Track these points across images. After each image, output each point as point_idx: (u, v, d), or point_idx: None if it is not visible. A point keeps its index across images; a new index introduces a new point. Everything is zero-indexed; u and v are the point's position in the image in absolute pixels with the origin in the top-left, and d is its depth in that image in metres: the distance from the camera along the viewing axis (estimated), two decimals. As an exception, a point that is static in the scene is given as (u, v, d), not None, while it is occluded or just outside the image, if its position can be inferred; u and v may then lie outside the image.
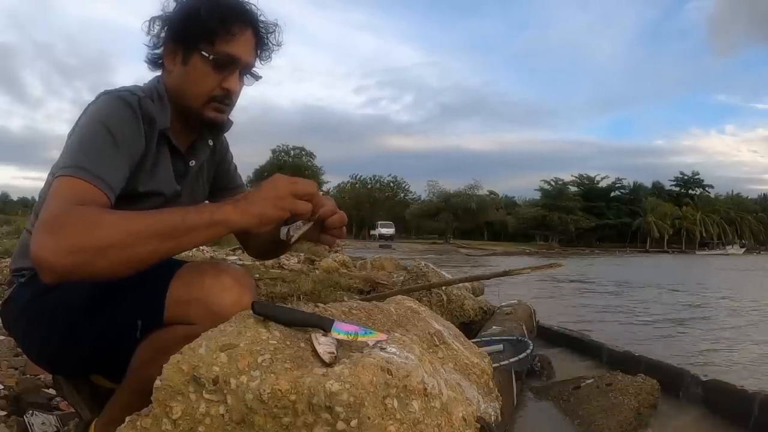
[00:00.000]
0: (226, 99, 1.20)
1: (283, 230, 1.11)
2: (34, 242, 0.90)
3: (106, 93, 1.14)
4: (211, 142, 1.33)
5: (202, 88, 1.18)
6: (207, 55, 1.15)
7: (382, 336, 1.05)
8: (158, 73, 1.25)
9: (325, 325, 1.02)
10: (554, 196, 63.90)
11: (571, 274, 13.94)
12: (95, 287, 1.11)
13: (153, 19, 1.20)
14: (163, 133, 1.19)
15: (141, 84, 1.23)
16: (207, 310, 1.05)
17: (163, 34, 1.20)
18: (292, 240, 1.11)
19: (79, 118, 1.13)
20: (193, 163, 1.29)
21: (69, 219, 0.91)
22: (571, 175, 71.77)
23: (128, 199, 1.10)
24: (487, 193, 61.78)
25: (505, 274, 3.86)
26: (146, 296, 1.09)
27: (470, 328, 3.58)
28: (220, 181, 1.43)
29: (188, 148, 1.28)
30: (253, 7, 1.21)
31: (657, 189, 74.42)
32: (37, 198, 1.25)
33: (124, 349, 1.10)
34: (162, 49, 1.21)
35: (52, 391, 1.75)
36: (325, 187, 62.52)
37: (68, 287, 1.12)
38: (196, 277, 1.09)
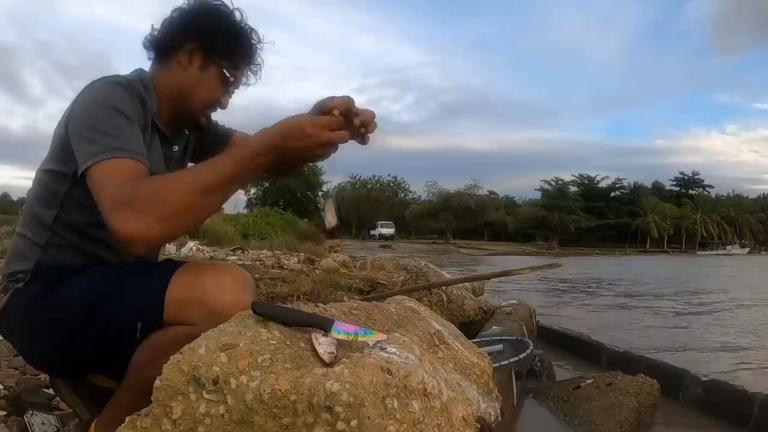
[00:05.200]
0: (215, 110, 1.30)
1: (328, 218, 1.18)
2: (119, 222, 0.95)
3: (99, 80, 1.15)
4: (187, 132, 1.36)
5: (208, 97, 1.26)
6: (227, 73, 1.24)
7: (382, 336, 1.05)
8: (149, 63, 1.27)
9: (325, 325, 1.02)
10: (554, 196, 63.85)
11: (572, 274, 13.94)
12: (93, 290, 1.11)
13: (180, 13, 1.22)
14: (152, 119, 1.21)
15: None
16: (207, 311, 1.06)
17: (184, 31, 1.22)
18: (334, 224, 1.18)
19: (73, 109, 1.12)
20: (176, 148, 1.33)
21: (142, 194, 0.97)
22: (571, 175, 71.82)
23: None
24: (487, 193, 61.76)
25: (505, 274, 3.86)
26: (145, 298, 1.09)
27: (470, 328, 3.58)
28: (206, 140, 1.41)
29: (171, 135, 1.31)
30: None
31: (657, 189, 74.39)
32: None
33: (124, 350, 1.11)
34: (178, 44, 1.23)
35: (52, 391, 1.74)
36: (325, 187, 62.44)
37: (66, 292, 1.12)
38: (196, 278, 1.09)
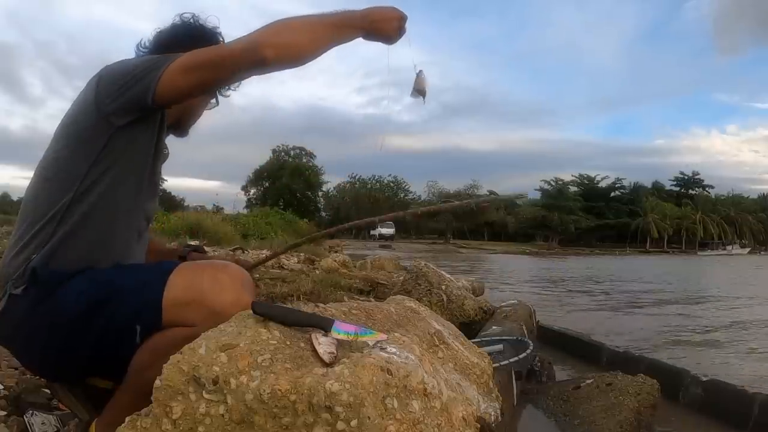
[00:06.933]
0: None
1: (414, 93, 1.32)
2: (259, 41, 1.09)
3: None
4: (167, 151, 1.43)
5: (200, 113, 1.43)
6: (219, 98, 1.44)
7: (382, 336, 1.05)
8: None
9: (325, 325, 1.02)
10: (554, 196, 63.73)
11: (572, 274, 13.94)
12: (92, 294, 1.11)
13: (192, 36, 1.33)
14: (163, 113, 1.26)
15: None
16: (206, 311, 1.06)
17: None
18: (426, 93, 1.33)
19: (99, 79, 1.16)
20: (166, 151, 1.38)
21: (267, 29, 1.11)
22: (571, 175, 71.54)
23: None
24: (487, 193, 61.77)
25: (469, 202, 3.78)
26: (143, 301, 1.09)
27: (470, 328, 3.57)
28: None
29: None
30: None
31: (657, 189, 74.25)
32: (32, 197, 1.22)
33: (124, 353, 1.10)
34: None
35: (52, 391, 1.74)
36: (325, 187, 62.45)
37: (64, 297, 1.11)
38: (193, 278, 1.09)
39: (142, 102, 1.12)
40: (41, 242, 1.15)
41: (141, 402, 0.94)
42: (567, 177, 70.21)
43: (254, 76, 1.31)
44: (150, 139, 1.22)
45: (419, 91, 1.31)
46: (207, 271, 1.11)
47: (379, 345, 1.01)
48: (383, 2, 1.25)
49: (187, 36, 1.31)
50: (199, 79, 1.13)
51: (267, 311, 1.01)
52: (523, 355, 2.38)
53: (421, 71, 1.32)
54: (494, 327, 3.33)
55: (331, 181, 63.28)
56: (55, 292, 1.12)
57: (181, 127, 1.41)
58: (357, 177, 64.87)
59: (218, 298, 1.07)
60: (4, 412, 1.57)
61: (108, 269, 1.18)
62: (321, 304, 1.26)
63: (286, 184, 54.35)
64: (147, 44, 1.34)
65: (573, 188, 68.52)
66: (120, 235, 1.22)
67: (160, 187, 1.40)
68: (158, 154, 1.27)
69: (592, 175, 71.40)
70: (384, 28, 1.22)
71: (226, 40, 1.35)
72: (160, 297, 1.08)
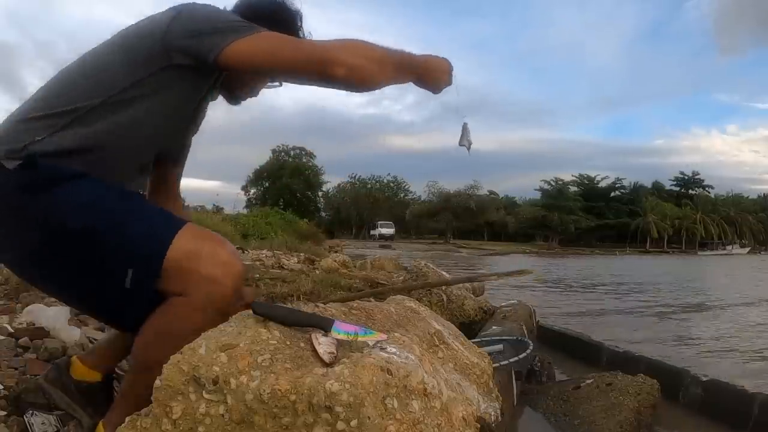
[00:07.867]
0: (251, 95, 1.47)
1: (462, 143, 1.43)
2: (336, 57, 1.10)
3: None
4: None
5: (261, 89, 1.44)
6: None
7: (382, 336, 1.05)
8: None
9: (325, 325, 1.02)
10: (554, 196, 63.73)
11: (572, 274, 13.94)
12: (93, 216, 1.07)
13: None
14: None
15: None
16: (202, 277, 1.05)
17: (274, 21, 1.33)
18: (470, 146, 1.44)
19: (178, 14, 1.17)
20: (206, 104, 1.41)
21: (345, 47, 1.13)
22: (571, 175, 71.48)
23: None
24: (487, 193, 61.77)
25: (470, 280, 3.78)
26: (145, 250, 1.07)
27: (470, 328, 3.57)
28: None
29: (215, 92, 1.40)
30: None
31: (657, 189, 74.22)
32: None
33: (106, 293, 1.09)
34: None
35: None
36: (325, 187, 62.51)
37: (62, 198, 1.06)
38: (197, 246, 1.08)
39: (204, 55, 1.13)
40: (51, 126, 1.10)
41: (149, 393, 0.93)
42: (567, 177, 70.22)
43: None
44: (197, 87, 1.24)
45: (466, 144, 1.42)
46: (208, 242, 1.11)
47: (379, 345, 1.01)
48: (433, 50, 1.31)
49: (267, 9, 1.34)
50: (266, 63, 1.15)
51: (267, 311, 1.01)
52: (523, 355, 2.38)
53: (466, 123, 1.42)
54: (494, 327, 3.33)
55: (331, 181, 63.41)
56: (51, 190, 1.06)
57: (233, 93, 1.41)
58: (357, 177, 64.92)
59: (216, 269, 1.06)
60: (4, 412, 1.57)
61: (113, 191, 1.13)
62: (321, 304, 1.26)
63: (286, 184, 54.39)
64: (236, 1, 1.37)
65: (573, 188, 68.48)
66: (126, 160, 1.20)
67: None
68: (202, 104, 1.31)
69: (592, 175, 71.41)
70: (437, 78, 1.26)
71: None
72: (165, 251, 1.06)
